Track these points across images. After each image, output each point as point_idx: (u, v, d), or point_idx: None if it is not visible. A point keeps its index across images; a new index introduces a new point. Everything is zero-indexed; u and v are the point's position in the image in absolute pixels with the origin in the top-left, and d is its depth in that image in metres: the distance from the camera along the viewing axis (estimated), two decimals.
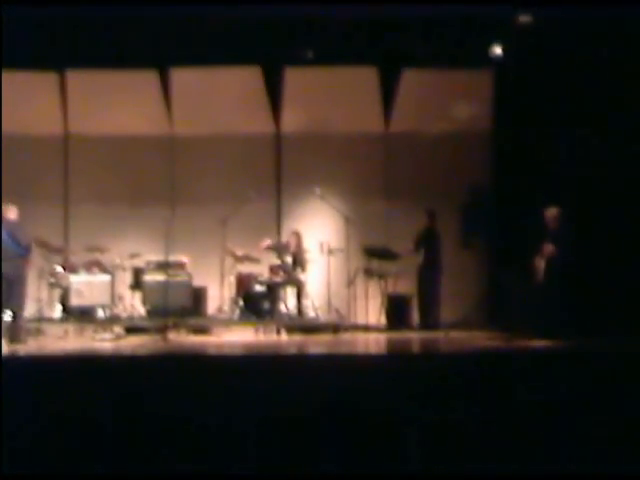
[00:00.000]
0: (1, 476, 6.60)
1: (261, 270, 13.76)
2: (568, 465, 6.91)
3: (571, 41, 12.44)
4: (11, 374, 8.46)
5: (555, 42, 12.66)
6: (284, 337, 13.22)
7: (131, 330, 12.87)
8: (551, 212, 11.86)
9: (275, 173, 14.90)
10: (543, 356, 10.29)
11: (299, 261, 13.68)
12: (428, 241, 13.66)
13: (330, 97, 14.40)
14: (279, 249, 13.84)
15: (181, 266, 13.52)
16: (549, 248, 11.65)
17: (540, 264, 11.70)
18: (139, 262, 13.61)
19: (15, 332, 11.58)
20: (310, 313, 13.53)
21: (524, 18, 12.54)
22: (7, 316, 11.78)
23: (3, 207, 11.71)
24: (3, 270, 11.57)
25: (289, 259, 13.65)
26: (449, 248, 13.74)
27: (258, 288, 13.45)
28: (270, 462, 6.98)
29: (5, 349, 11.18)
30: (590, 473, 6.86)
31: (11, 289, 11.61)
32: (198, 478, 6.95)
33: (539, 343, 11.05)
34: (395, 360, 10.28)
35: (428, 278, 13.57)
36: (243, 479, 6.98)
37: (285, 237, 14.24)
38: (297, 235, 13.92)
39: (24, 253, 11.63)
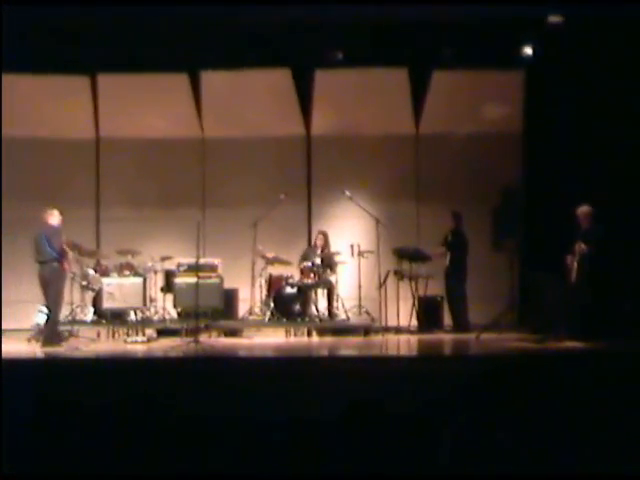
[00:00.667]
0: (1, 476, 6.62)
1: (292, 272, 13.75)
2: (600, 466, 6.86)
3: (601, 41, 12.38)
4: (29, 375, 8.54)
5: (586, 42, 12.60)
6: (315, 339, 13.23)
7: (163, 332, 12.91)
8: (583, 210, 11.75)
9: (305, 175, 14.90)
10: (575, 357, 10.25)
11: (328, 262, 13.66)
12: (454, 243, 13.62)
13: (360, 99, 14.39)
14: (308, 253, 13.86)
15: (212, 268, 13.53)
16: (581, 247, 11.55)
17: (572, 264, 11.60)
18: (170, 264, 13.64)
19: (51, 334, 11.67)
20: (341, 315, 13.52)
21: (554, 19, 12.49)
22: (42, 318, 11.90)
23: (46, 212, 11.83)
24: (40, 273, 11.69)
25: (318, 260, 13.63)
26: (480, 250, 13.66)
27: (289, 290, 13.44)
28: (299, 464, 6.98)
29: (40, 351, 11.32)
30: (629, 474, 6.80)
31: (47, 291, 11.72)
32: (215, 478, 6.95)
33: (571, 344, 11.00)
34: (426, 362, 10.27)
35: (454, 280, 13.53)
36: None
37: (312, 239, 14.26)
38: (324, 235, 13.90)
39: (58, 256, 11.69)
